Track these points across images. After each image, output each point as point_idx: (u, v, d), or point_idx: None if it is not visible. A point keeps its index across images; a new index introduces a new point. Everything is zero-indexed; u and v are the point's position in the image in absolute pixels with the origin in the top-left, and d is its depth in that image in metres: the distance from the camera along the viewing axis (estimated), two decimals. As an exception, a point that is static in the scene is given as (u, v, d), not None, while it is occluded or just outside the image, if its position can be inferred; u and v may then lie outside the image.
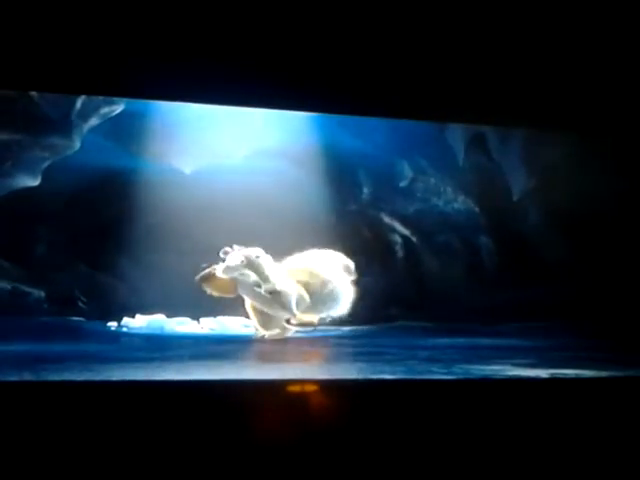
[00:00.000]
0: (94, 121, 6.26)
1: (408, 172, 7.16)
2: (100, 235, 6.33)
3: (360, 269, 5.53)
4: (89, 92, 5.33)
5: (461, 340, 5.31)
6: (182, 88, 3.87)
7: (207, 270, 4.95)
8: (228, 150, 6.56)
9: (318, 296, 5.22)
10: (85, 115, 6.19)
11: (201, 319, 5.95)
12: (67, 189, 6.37)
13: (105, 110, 6.24)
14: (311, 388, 3.03)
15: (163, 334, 5.69)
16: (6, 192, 6.02)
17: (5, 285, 6.19)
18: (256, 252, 4.92)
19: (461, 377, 3.43)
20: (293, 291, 5.04)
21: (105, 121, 6.29)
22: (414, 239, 7.22)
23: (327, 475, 2.89)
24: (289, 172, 6.62)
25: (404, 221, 7.22)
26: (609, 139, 5.41)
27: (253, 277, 4.92)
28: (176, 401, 2.91)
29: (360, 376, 3.37)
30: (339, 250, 5.46)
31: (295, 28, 3.71)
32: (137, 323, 5.90)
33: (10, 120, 5.88)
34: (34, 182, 6.14)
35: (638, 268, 6.04)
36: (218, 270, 4.91)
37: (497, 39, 3.92)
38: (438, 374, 3.54)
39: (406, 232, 7.23)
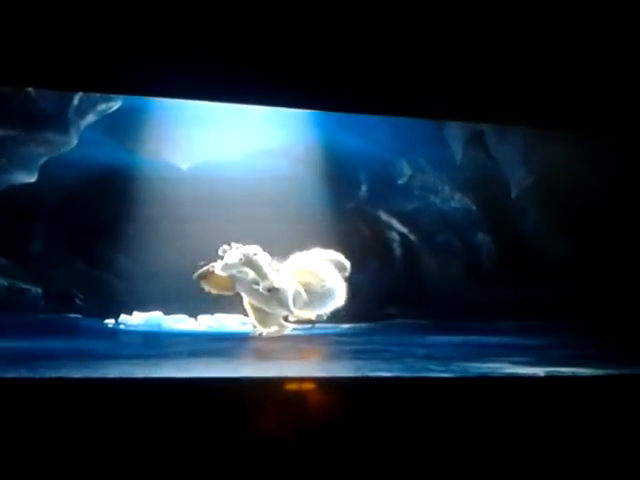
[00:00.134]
0: (91, 117, 6.25)
1: (406, 170, 7.16)
2: (97, 232, 6.32)
3: (358, 267, 5.53)
4: (87, 89, 5.33)
5: (459, 338, 5.30)
6: (181, 85, 3.86)
7: (205, 267, 4.95)
8: (226, 147, 6.55)
9: (316, 293, 5.21)
10: (82, 111, 6.18)
11: (199, 316, 5.96)
12: (64, 186, 6.34)
13: (103, 107, 6.23)
14: (309, 386, 3.03)
15: (160, 331, 5.69)
16: (3, 188, 6.01)
17: (2, 282, 6.17)
18: (254, 250, 4.92)
19: (459, 375, 3.43)
20: (291, 288, 5.04)
21: (103, 117, 6.28)
22: (412, 237, 7.22)
23: (325, 472, 2.89)
24: (287, 170, 6.61)
25: (402, 219, 7.22)
26: (608, 137, 5.41)
27: (251, 275, 4.92)
28: (173, 398, 2.91)
29: (358, 374, 3.37)
30: (337, 248, 5.44)
31: (294, 26, 3.70)
32: (134, 320, 5.88)
33: (7, 116, 5.86)
34: (31, 178, 6.13)
35: (636, 266, 6.05)
36: (216, 267, 4.91)
37: (496, 37, 3.92)
38: (436, 372, 3.53)
39: (404, 230, 7.23)
